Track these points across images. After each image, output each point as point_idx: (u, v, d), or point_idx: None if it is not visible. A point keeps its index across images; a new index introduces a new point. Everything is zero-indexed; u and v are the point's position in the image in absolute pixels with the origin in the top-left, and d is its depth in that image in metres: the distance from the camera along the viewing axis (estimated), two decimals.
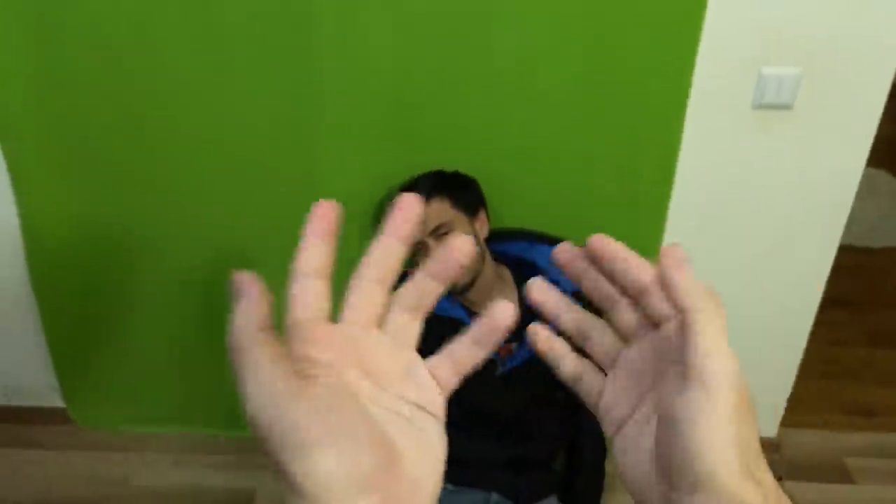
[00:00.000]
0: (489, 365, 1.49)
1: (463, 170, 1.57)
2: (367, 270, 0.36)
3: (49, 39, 1.50)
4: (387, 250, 0.36)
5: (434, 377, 0.37)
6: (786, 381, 1.95)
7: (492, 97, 1.53)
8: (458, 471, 1.59)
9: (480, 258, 1.51)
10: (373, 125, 1.57)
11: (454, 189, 1.51)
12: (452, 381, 0.38)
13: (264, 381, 0.30)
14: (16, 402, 2.09)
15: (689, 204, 1.65)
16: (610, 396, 0.40)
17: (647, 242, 1.69)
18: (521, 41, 1.46)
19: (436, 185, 1.50)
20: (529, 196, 1.67)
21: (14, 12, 1.46)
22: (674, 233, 1.68)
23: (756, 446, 0.35)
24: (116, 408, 2.05)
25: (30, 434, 2.06)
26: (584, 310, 0.42)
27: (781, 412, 2.01)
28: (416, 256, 1.50)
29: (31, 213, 1.73)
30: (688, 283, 0.35)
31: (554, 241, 1.63)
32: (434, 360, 0.38)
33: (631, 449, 0.38)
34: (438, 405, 0.36)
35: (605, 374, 0.41)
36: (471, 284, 1.50)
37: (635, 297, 0.39)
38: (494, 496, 1.59)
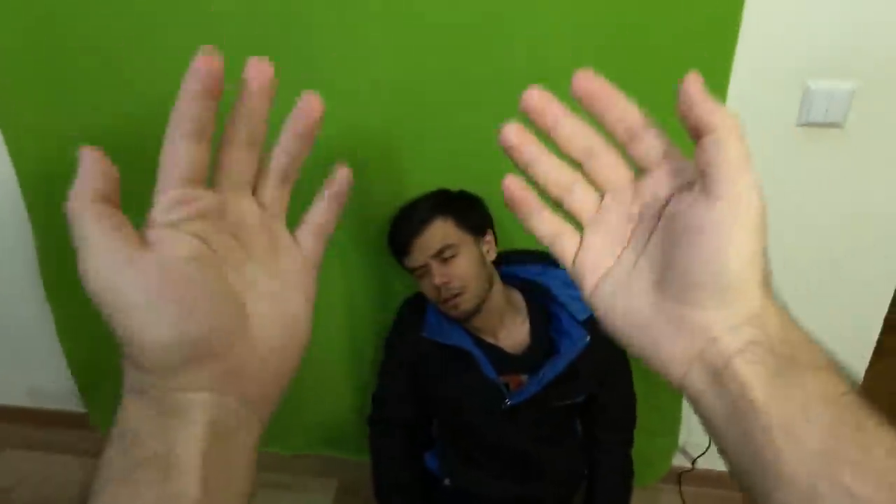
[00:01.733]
0: (497, 396, 1.41)
1: (472, 186, 1.48)
2: (232, 134, 0.35)
3: (44, 34, 1.47)
4: (251, 114, 0.35)
5: (300, 245, 0.38)
6: None
7: (504, 109, 1.41)
8: None
9: (487, 282, 1.42)
10: (376, 139, 1.49)
11: (459, 208, 1.42)
12: (318, 248, 0.39)
13: (93, 250, 0.30)
14: (40, 405, 2.11)
15: None
16: (589, 252, 0.40)
17: None
18: (538, 49, 1.35)
19: (438, 204, 1.41)
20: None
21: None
22: None
23: (768, 261, 0.35)
24: None
25: (53, 438, 2.08)
26: (560, 161, 0.40)
27: None
28: (421, 279, 1.42)
29: (44, 225, 1.74)
30: (713, 102, 0.34)
31: None
32: (300, 231, 0.38)
33: (620, 293, 0.38)
34: (309, 280, 0.38)
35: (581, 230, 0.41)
36: (477, 310, 1.40)
37: (626, 142, 0.38)
38: None
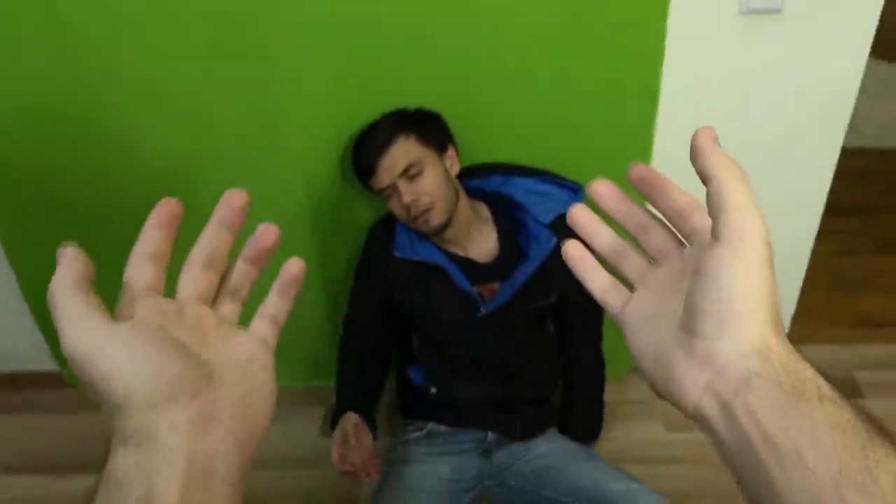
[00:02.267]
0: (472, 306, 1.45)
1: (432, 103, 1.49)
2: (194, 256, 0.43)
3: None
4: (214, 238, 0.43)
5: (259, 335, 0.44)
6: (790, 294, 1.88)
7: (460, 20, 1.43)
8: (453, 412, 1.58)
9: (454, 196, 1.44)
10: (335, 56, 1.47)
11: (419, 125, 1.43)
12: (275, 333, 0.45)
13: (74, 322, 0.35)
14: (11, 368, 2.08)
15: (677, 120, 1.55)
16: (636, 305, 0.44)
17: (636, 159, 1.60)
18: None
19: (399, 123, 1.42)
20: (504, 126, 1.57)
21: None
22: (661, 150, 1.59)
23: (777, 305, 0.37)
24: None
25: (27, 399, 2.07)
26: (616, 234, 0.46)
27: (787, 326, 1.95)
28: (389, 200, 1.43)
29: (2, 183, 1.68)
30: (718, 154, 0.38)
31: (531, 173, 1.56)
32: (254, 322, 0.45)
33: (653, 335, 0.41)
34: (264, 354, 0.43)
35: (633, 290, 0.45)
36: (447, 224, 1.43)
37: (674, 220, 0.43)
38: (491, 435, 1.57)
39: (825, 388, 0.35)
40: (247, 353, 0.41)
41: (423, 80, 1.50)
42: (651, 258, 0.45)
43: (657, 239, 0.44)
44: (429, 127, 1.45)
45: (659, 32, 1.42)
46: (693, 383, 0.38)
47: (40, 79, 1.51)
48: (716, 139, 0.38)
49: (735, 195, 0.36)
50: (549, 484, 1.49)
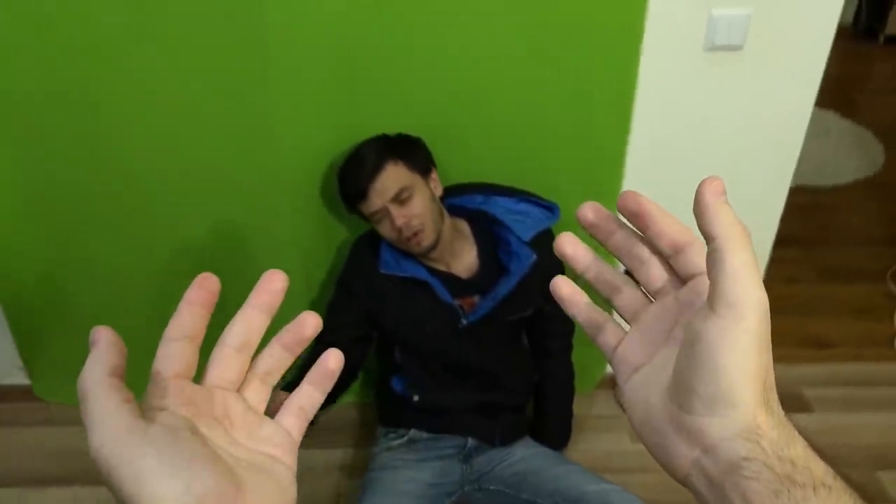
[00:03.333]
0: (454, 317, 1.53)
1: (413, 125, 1.57)
2: (228, 338, 0.41)
3: None
4: (248, 321, 0.41)
5: (285, 429, 0.41)
6: None
7: (438, 46, 1.52)
8: (435, 419, 1.64)
9: (440, 216, 1.52)
10: (322, 80, 1.54)
11: (406, 151, 1.50)
12: (301, 427, 0.43)
13: (106, 421, 0.33)
14: None
15: (644, 147, 1.67)
16: (628, 346, 0.42)
17: (606, 186, 1.72)
18: None
19: (386, 149, 1.48)
20: (482, 148, 1.66)
21: None
22: (632, 176, 1.70)
23: (772, 377, 0.36)
24: None
25: None
26: (609, 265, 0.44)
27: None
28: (378, 223, 1.50)
29: None
30: (722, 212, 0.35)
31: (510, 192, 1.65)
32: (282, 413, 0.42)
33: (643, 390, 0.40)
34: (289, 455, 0.41)
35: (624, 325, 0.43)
36: (435, 244, 1.51)
37: (669, 255, 0.40)
38: (470, 441, 1.63)
39: (818, 471, 0.34)
40: (272, 452, 0.40)
41: (405, 102, 1.58)
42: (646, 292, 0.43)
43: (652, 272, 0.42)
44: (414, 151, 1.52)
45: (633, 62, 1.54)
46: (682, 457, 0.37)
47: (26, 79, 1.53)
48: (723, 192, 0.36)
49: (736, 262, 0.34)
50: (527, 487, 1.55)
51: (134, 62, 1.51)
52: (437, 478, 1.59)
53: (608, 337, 0.43)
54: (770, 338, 0.35)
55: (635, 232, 0.42)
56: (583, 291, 0.45)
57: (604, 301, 0.44)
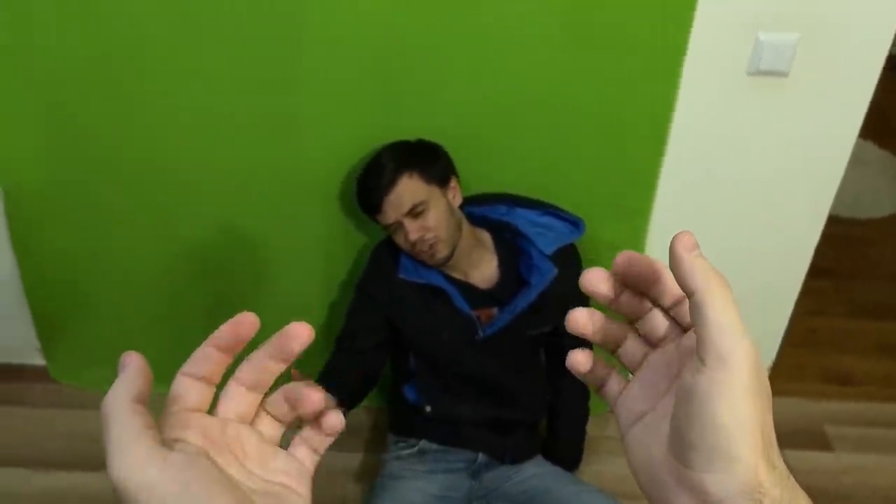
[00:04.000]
0: (471, 328, 1.50)
1: (442, 129, 1.55)
2: (243, 375, 0.40)
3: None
4: (264, 367, 0.40)
5: (298, 459, 0.41)
6: (769, 349, 1.97)
7: (475, 52, 1.49)
8: (446, 431, 1.61)
9: (457, 228, 1.50)
10: (350, 81, 1.53)
11: (423, 162, 1.48)
12: (312, 458, 0.42)
13: (128, 446, 0.33)
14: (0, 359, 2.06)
15: (680, 170, 1.64)
16: (631, 395, 0.42)
17: (636, 205, 1.69)
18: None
19: (403, 159, 1.47)
20: (511, 158, 1.64)
21: None
22: (664, 199, 1.67)
23: (771, 432, 0.35)
24: (98, 367, 2.03)
25: (11, 391, 2.04)
26: (613, 319, 0.44)
27: None
28: (394, 234, 1.48)
29: (10, 175, 1.69)
30: (697, 265, 0.35)
31: (534, 205, 1.63)
32: (294, 445, 0.42)
33: (645, 440, 0.39)
34: (303, 485, 0.41)
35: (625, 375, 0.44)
36: (451, 255, 1.49)
37: (668, 307, 0.41)
38: (481, 456, 1.61)
39: None
40: (285, 482, 0.40)
41: (434, 108, 1.56)
42: (646, 342, 0.43)
43: (654, 322, 0.42)
44: (431, 162, 1.50)
45: (672, 82, 1.51)
46: None
47: (61, 69, 1.54)
48: (695, 246, 0.36)
49: (717, 313, 0.34)
50: None
51: (166, 55, 1.51)
52: (445, 491, 1.57)
53: (612, 385, 0.43)
54: (766, 388, 0.35)
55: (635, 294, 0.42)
56: (601, 317, 0.44)
57: (607, 352, 0.44)
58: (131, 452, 0.33)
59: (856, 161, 1.78)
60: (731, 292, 0.34)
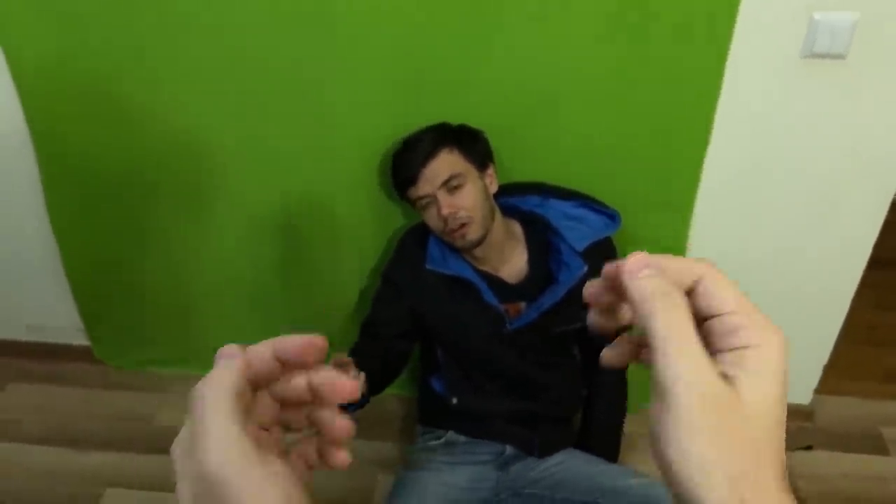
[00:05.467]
0: (498, 322, 1.46)
1: (478, 118, 1.50)
2: (277, 389, 0.38)
3: None
4: (295, 387, 0.38)
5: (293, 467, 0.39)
6: (825, 346, 1.86)
7: (513, 40, 1.44)
8: (473, 424, 1.59)
9: (490, 213, 1.46)
10: (386, 68, 1.50)
11: (463, 140, 1.45)
12: (309, 472, 0.40)
13: (230, 443, 0.32)
14: (46, 338, 2.12)
15: (728, 158, 1.55)
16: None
17: (679, 200, 1.61)
18: None
19: (443, 135, 1.44)
20: (551, 149, 1.58)
21: None
22: (710, 188, 1.58)
23: (761, 476, 0.30)
24: (141, 348, 2.08)
25: (54, 370, 2.10)
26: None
27: (818, 378, 1.93)
28: (425, 210, 1.44)
29: (50, 156, 1.72)
30: (641, 288, 0.33)
31: (569, 195, 1.56)
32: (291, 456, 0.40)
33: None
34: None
35: None
36: (482, 240, 1.44)
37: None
38: (509, 449, 1.58)
39: None
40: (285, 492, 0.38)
41: (471, 95, 1.52)
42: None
43: None
44: (472, 143, 1.47)
45: (718, 68, 1.42)
46: None
47: (99, 57, 1.55)
48: (642, 266, 0.34)
49: (660, 340, 0.31)
50: (564, 487, 1.49)
51: (205, 46, 1.51)
52: (473, 483, 1.54)
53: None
54: (735, 425, 0.30)
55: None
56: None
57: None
58: (235, 451, 0.32)
59: None
60: (682, 313, 0.31)
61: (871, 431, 1.94)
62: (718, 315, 0.33)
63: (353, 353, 1.59)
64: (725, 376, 0.31)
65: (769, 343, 0.32)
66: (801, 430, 1.94)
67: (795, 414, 1.95)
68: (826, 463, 1.86)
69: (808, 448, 1.89)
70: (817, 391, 1.96)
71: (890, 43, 1.37)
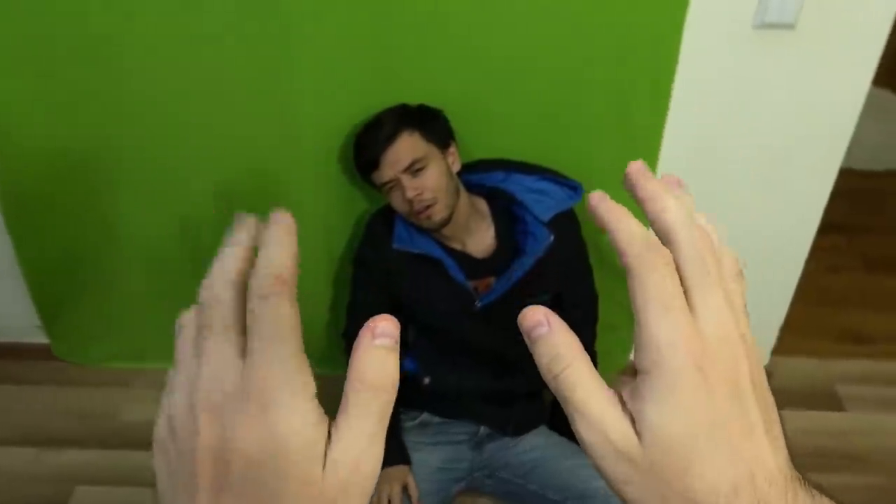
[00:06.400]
0: (468, 298, 1.47)
1: (436, 96, 1.50)
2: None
3: None
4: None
5: None
6: (780, 308, 1.92)
7: (470, 13, 1.43)
8: (447, 404, 1.60)
9: (455, 192, 1.46)
10: (343, 47, 1.48)
11: (423, 122, 1.45)
12: None
13: (303, 407, 0.28)
14: (2, 338, 2.06)
15: (684, 127, 1.58)
16: None
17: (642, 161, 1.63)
18: None
19: (403, 118, 1.43)
20: (509, 124, 1.59)
21: None
22: (668, 157, 1.61)
23: (753, 426, 0.29)
24: (101, 344, 2.03)
25: (13, 370, 2.04)
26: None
27: (774, 340, 1.99)
28: (390, 194, 1.44)
29: (3, 146, 1.66)
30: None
31: (531, 170, 1.58)
32: None
33: None
34: None
35: None
36: (448, 219, 1.45)
37: None
38: (483, 428, 1.59)
39: None
40: None
41: (430, 72, 1.51)
42: None
43: None
44: (432, 124, 1.47)
45: (675, 37, 1.44)
46: None
47: (50, 41, 1.50)
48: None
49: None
50: (536, 478, 1.51)
51: (157, 27, 1.47)
52: (447, 463, 1.56)
53: None
54: (719, 383, 0.28)
55: None
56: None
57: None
58: (310, 417, 0.28)
59: (874, 113, 1.72)
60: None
61: (827, 389, 2.02)
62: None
63: (345, 336, 1.60)
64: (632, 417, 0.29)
65: (660, 369, 0.28)
66: None
67: None
68: (786, 420, 1.91)
69: None
70: (775, 352, 2.02)
71: (837, 12, 1.41)
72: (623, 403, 0.29)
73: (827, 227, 1.78)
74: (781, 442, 0.30)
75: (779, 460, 0.29)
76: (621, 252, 0.30)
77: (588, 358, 0.30)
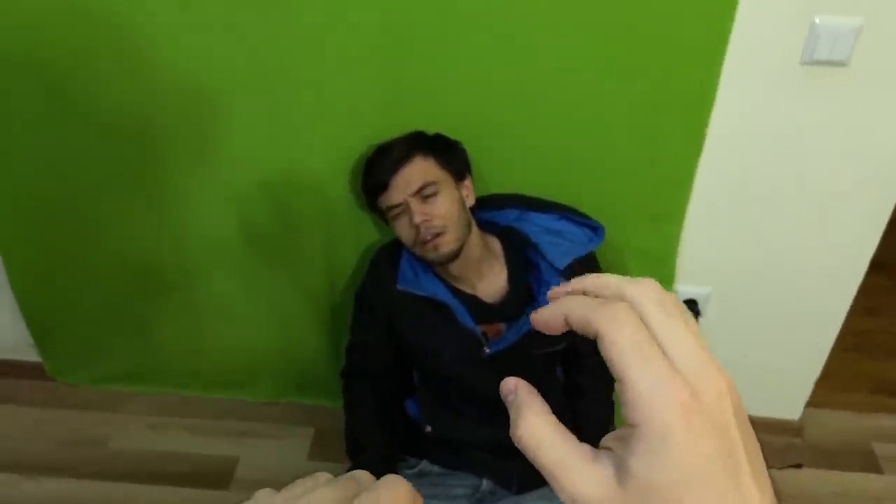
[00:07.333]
0: (475, 345, 1.36)
1: (455, 126, 1.40)
2: None
3: None
4: None
5: None
6: (818, 360, 1.78)
7: (492, 40, 1.33)
8: (449, 454, 1.49)
9: (467, 225, 1.36)
10: (358, 73, 1.39)
11: (439, 149, 1.36)
12: None
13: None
14: None
15: (719, 168, 1.46)
16: None
17: (668, 211, 1.52)
18: None
19: (418, 142, 1.34)
20: (530, 160, 1.48)
21: None
22: (701, 197, 1.49)
23: (738, 469, 0.27)
24: (96, 364, 1.97)
25: (6, 390, 1.98)
26: None
27: (808, 393, 1.85)
28: (397, 220, 1.34)
29: None
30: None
31: (549, 207, 1.44)
32: None
33: None
34: None
35: None
36: (457, 254, 1.34)
37: None
38: (486, 483, 1.48)
39: None
40: None
41: (446, 104, 1.42)
42: None
43: None
44: (448, 153, 1.38)
45: (713, 73, 1.32)
46: None
47: (40, 46, 1.43)
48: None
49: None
50: None
51: (164, 47, 1.40)
52: None
53: None
54: (708, 432, 0.27)
55: None
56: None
57: None
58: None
59: None
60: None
61: (862, 447, 1.87)
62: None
63: (351, 405, 1.52)
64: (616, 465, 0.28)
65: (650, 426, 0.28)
66: (790, 447, 1.86)
67: (784, 430, 1.88)
68: (816, 482, 1.79)
69: (798, 466, 1.81)
70: (807, 405, 1.88)
71: (893, 50, 1.27)
72: (607, 447, 0.30)
73: (873, 265, 1.64)
74: (766, 478, 0.29)
75: (765, 501, 0.28)
76: (585, 322, 0.31)
77: (551, 418, 0.31)
